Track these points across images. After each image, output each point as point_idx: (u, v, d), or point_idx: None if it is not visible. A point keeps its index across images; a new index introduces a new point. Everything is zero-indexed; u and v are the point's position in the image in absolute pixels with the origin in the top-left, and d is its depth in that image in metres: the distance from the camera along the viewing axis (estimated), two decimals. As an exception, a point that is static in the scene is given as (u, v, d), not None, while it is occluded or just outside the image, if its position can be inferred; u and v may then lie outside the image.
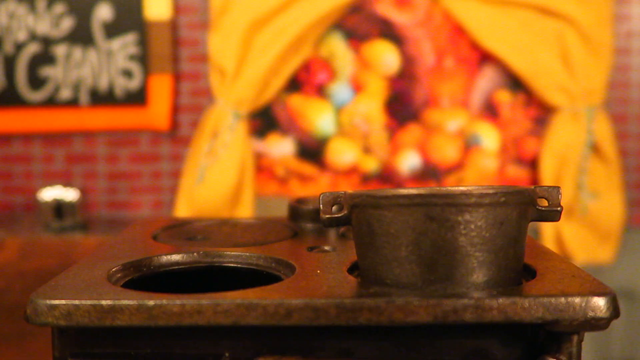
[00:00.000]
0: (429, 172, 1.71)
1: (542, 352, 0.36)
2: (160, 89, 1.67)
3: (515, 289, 0.36)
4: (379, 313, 0.34)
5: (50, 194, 1.54)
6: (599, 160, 1.63)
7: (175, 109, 1.70)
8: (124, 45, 1.66)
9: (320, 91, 1.69)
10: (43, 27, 1.66)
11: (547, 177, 1.64)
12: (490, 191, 0.36)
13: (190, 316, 0.34)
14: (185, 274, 0.44)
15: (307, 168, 1.71)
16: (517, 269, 0.38)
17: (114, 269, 0.41)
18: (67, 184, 1.62)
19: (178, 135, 1.71)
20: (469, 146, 1.70)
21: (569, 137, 1.62)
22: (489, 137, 1.70)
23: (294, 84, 1.68)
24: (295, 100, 1.69)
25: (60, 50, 1.66)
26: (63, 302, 0.34)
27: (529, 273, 0.41)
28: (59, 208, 1.54)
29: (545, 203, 0.39)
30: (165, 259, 0.45)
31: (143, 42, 1.66)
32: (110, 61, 1.66)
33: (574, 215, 1.63)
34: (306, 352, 0.36)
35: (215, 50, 1.61)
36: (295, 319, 0.34)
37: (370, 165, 1.71)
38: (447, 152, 1.70)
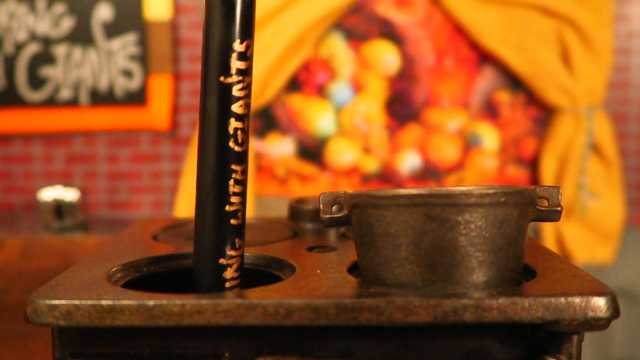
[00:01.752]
0: (429, 172, 1.71)
1: (542, 352, 0.36)
2: (160, 89, 1.67)
3: (515, 289, 0.36)
4: (379, 313, 0.34)
5: (50, 194, 1.54)
6: (599, 160, 1.63)
7: (175, 109, 1.70)
8: (124, 45, 1.66)
9: (320, 91, 1.69)
10: (43, 27, 1.66)
11: (547, 177, 1.64)
12: (490, 191, 0.36)
13: (190, 316, 0.34)
14: (185, 274, 0.44)
15: (307, 168, 1.71)
16: (517, 269, 0.38)
17: (114, 269, 0.41)
18: (67, 184, 1.62)
19: (178, 135, 1.71)
20: (469, 146, 1.70)
21: (569, 137, 1.62)
22: (489, 137, 1.70)
23: (294, 84, 1.68)
24: (295, 100, 1.69)
25: (60, 50, 1.66)
26: (63, 302, 0.34)
27: (529, 273, 0.40)
28: (59, 208, 1.54)
29: (545, 203, 0.39)
30: (165, 259, 0.45)
31: (143, 42, 1.66)
32: (110, 61, 1.66)
33: (574, 215, 1.63)
34: (306, 352, 0.36)
35: (215, 50, 1.61)
36: (295, 319, 0.34)
37: (370, 165, 1.70)
38: (447, 152, 1.70)
